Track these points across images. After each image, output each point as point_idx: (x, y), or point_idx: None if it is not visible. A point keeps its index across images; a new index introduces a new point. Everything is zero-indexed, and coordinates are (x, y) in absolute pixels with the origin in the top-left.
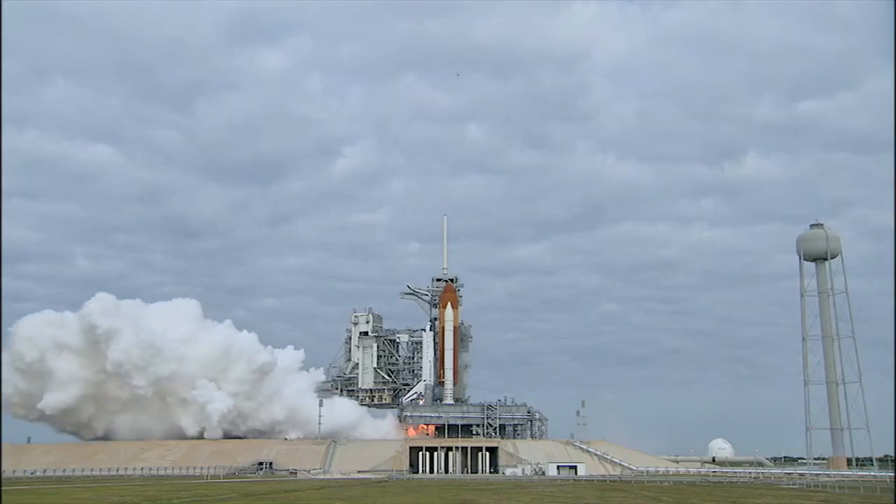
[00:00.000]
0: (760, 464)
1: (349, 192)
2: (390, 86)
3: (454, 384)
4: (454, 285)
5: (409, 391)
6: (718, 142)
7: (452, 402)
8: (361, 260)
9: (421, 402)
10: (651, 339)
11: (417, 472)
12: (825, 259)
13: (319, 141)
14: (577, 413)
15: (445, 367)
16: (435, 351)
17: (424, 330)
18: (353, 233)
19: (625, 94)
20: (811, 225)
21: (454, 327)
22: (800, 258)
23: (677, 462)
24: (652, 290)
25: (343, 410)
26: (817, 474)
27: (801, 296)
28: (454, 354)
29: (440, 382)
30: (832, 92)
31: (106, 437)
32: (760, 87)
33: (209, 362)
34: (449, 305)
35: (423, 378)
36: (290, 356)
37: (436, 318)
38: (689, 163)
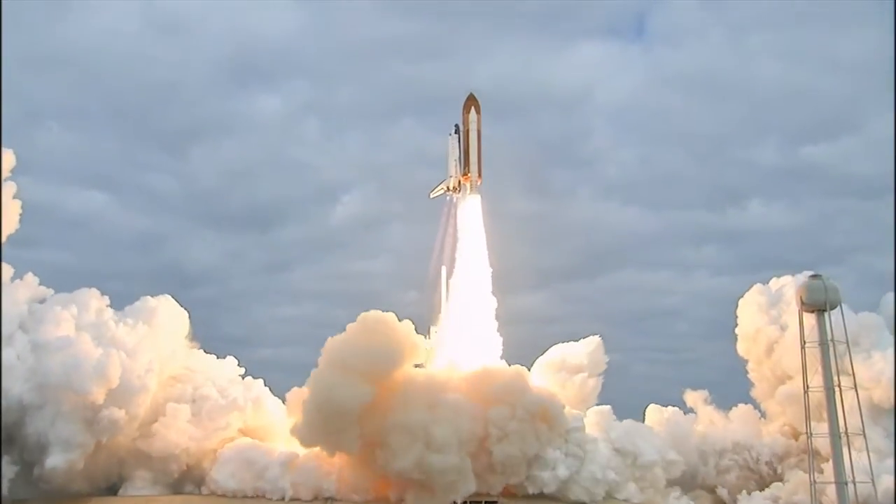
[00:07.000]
0: None
1: (347, 239)
2: (388, 130)
3: (479, 183)
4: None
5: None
6: (721, 187)
7: (478, 195)
8: (360, 309)
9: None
10: (654, 390)
11: None
12: (824, 310)
13: (317, 187)
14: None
15: (471, 162)
16: (460, 150)
17: (450, 134)
18: (351, 281)
19: (627, 138)
20: (810, 276)
21: (478, 129)
22: (799, 309)
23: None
24: (654, 339)
25: None
26: None
27: (802, 347)
28: (478, 153)
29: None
30: (835, 136)
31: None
32: (764, 132)
33: None
34: (472, 110)
35: (450, 174)
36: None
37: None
38: (691, 209)
